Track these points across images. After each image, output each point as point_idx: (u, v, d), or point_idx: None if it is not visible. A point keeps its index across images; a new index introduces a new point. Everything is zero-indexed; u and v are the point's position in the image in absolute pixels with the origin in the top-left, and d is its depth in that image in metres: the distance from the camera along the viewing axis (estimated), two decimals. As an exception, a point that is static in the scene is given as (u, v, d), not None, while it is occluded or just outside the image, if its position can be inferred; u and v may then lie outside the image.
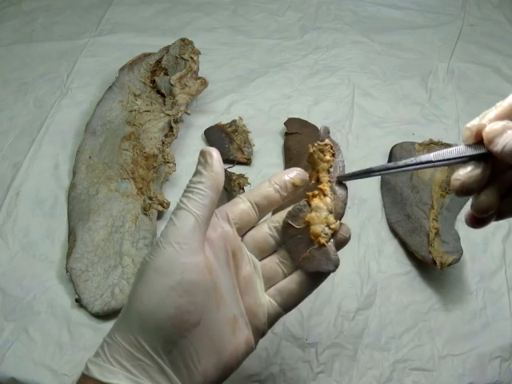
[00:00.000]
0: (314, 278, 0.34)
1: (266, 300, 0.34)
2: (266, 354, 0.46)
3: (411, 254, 0.53)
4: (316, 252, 0.33)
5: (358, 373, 0.46)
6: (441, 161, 0.28)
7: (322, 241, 0.33)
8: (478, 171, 0.26)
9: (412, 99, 0.71)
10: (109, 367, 0.29)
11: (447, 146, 0.60)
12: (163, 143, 0.59)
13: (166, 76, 0.64)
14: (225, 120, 0.65)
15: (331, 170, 0.35)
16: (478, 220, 0.29)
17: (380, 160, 0.62)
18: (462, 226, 0.55)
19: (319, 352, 0.46)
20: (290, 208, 0.35)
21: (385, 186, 0.59)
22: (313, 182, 0.35)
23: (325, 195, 0.34)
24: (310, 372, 0.45)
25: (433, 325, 0.49)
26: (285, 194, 0.35)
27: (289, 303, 0.34)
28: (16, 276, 0.50)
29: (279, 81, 0.73)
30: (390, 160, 0.61)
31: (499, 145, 0.25)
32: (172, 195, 0.56)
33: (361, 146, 0.64)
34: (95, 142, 0.60)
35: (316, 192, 0.34)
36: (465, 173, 0.27)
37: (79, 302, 0.48)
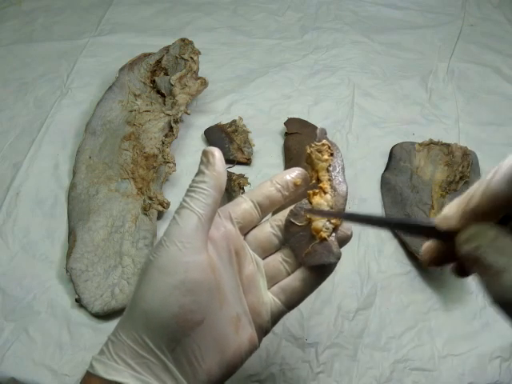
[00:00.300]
0: (317, 274, 0.34)
1: (269, 298, 0.34)
2: (266, 353, 0.46)
3: (411, 254, 0.53)
4: (318, 246, 0.34)
5: (357, 373, 0.46)
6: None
7: (324, 235, 0.33)
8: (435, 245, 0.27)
9: (412, 99, 0.71)
10: (113, 365, 0.29)
11: (447, 145, 0.60)
12: (163, 143, 0.59)
13: (166, 76, 0.64)
14: (225, 120, 0.65)
15: (330, 168, 0.35)
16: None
17: (380, 160, 0.62)
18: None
19: (319, 352, 0.46)
20: (291, 207, 0.35)
21: (385, 186, 0.59)
22: (313, 181, 0.35)
23: (325, 193, 0.34)
24: (310, 372, 0.45)
25: (433, 325, 0.49)
26: (286, 193, 0.36)
27: (292, 301, 0.34)
28: (16, 276, 0.50)
29: (279, 81, 0.73)
30: (389, 160, 0.61)
31: (463, 250, 0.24)
32: (172, 195, 0.56)
33: (361, 146, 0.64)
34: (95, 142, 0.60)
35: (317, 190, 0.35)
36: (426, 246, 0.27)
37: (79, 302, 0.48)
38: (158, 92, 0.64)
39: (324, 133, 0.36)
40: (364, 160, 0.62)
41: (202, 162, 0.32)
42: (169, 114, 0.61)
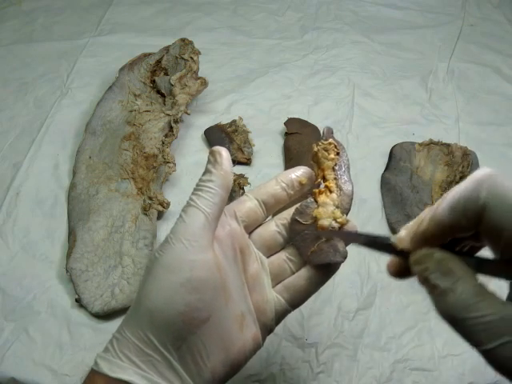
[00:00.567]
0: (323, 272, 0.34)
1: (274, 297, 0.34)
2: (266, 353, 0.46)
3: (411, 254, 0.53)
4: (324, 245, 0.34)
5: (357, 373, 0.46)
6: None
7: None
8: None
9: (412, 99, 0.71)
10: (118, 362, 0.29)
11: (447, 145, 0.60)
12: (163, 143, 0.59)
13: (166, 76, 0.64)
14: (225, 120, 0.65)
15: (336, 167, 0.35)
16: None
17: (380, 160, 0.62)
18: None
19: (319, 352, 0.46)
20: (297, 205, 0.35)
21: (385, 186, 0.59)
22: (319, 180, 0.35)
23: (331, 192, 0.34)
24: (310, 372, 0.45)
25: (433, 325, 0.49)
26: (291, 192, 0.36)
27: (296, 299, 0.35)
28: (16, 276, 0.50)
29: (279, 81, 0.73)
30: (389, 160, 0.61)
31: (414, 270, 0.26)
32: (172, 195, 0.56)
33: (361, 145, 0.64)
34: (95, 141, 0.60)
35: (322, 189, 0.35)
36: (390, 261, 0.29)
37: (79, 302, 0.48)
38: (158, 92, 0.64)
39: (331, 132, 0.37)
40: (364, 160, 0.62)
41: (209, 162, 0.32)
42: (169, 114, 0.61)
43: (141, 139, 0.59)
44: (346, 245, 0.34)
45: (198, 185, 0.32)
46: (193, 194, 0.31)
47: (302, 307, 0.48)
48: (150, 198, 0.54)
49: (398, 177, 0.58)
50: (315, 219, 0.34)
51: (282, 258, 0.36)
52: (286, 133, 0.63)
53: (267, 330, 0.34)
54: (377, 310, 0.49)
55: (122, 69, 0.67)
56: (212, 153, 0.32)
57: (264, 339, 0.34)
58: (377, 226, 0.56)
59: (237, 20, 0.83)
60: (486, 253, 0.26)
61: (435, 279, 0.24)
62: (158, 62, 0.67)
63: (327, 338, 0.47)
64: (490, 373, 0.45)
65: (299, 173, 0.36)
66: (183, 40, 0.67)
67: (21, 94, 0.69)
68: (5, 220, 0.55)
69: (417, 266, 0.25)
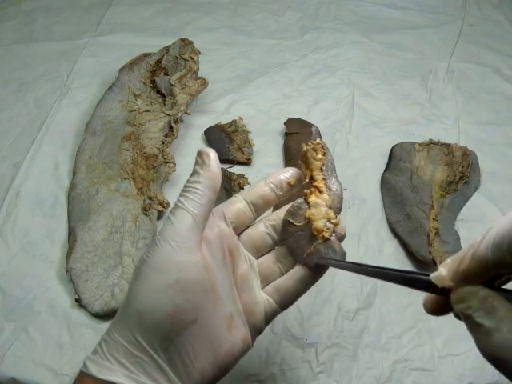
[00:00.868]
0: (315, 273, 0.35)
1: (263, 298, 0.34)
2: (266, 353, 0.46)
3: (411, 254, 0.53)
4: (321, 246, 0.34)
5: (357, 373, 0.46)
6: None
7: (326, 235, 0.34)
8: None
9: (412, 99, 0.71)
10: (106, 364, 0.29)
11: (447, 145, 0.60)
12: (163, 143, 0.59)
13: (166, 76, 0.64)
14: (225, 120, 0.65)
15: (324, 167, 0.35)
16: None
17: (380, 160, 0.62)
18: (461, 226, 0.55)
19: (319, 352, 0.46)
20: (288, 206, 0.36)
21: (385, 186, 0.59)
22: (307, 180, 0.36)
23: (320, 192, 0.35)
24: (310, 372, 0.45)
25: (433, 325, 0.48)
26: (280, 193, 0.36)
27: (286, 301, 0.35)
28: (16, 276, 0.50)
29: (279, 81, 0.73)
30: (389, 160, 0.61)
31: (456, 309, 0.25)
32: (172, 195, 0.56)
33: (361, 146, 0.64)
34: (95, 141, 0.60)
35: (312, 189, 0.35)
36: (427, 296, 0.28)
37: (79, 302, 0.48)
38: (158, 92, 0.64)
39: (318, 132, 0.37)
40: (364, 160, 0.62)
41: (196, 163, 0.32)
42: (169, 114, 0.61)
43: (141, 139, 0.59)
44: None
45: (185, 186, 0.32)
46: (180, 195, 0.31)
47: (302, 307, 0.48)
48: (150, 198, 0.54)
49: (398, 177, 0.58)
50: (308, 220, 0.34)
51: (271, 259, 0.36)
52: (285, 133, 0.63)
53: (257, 331, 0.34)
54: (377, 310, 0.49)
55: (122, 69, 0.67)
56: (200, 154, 0.32)
57: (253, 340, 0.34)
58: (377, 226, 0.56)
59: (237, 20, 0.83)
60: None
61: (479, 317, 0.23)
62: (158, 62, 0.67)
63: (327, 338, 0.47)
64: (490, 373, 0.45)
65: (288, 174, 0.36)
66: (183, 40, 0.67)
67: (21, 94, 0.69)
68: (5, 220, 0.55)
69: (459, 304, 0.24)
